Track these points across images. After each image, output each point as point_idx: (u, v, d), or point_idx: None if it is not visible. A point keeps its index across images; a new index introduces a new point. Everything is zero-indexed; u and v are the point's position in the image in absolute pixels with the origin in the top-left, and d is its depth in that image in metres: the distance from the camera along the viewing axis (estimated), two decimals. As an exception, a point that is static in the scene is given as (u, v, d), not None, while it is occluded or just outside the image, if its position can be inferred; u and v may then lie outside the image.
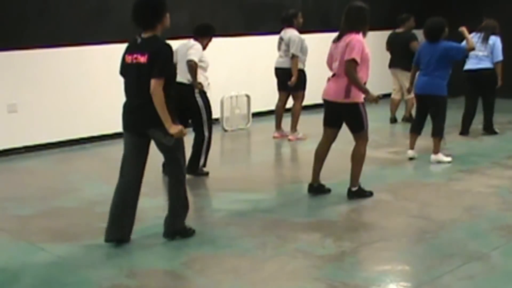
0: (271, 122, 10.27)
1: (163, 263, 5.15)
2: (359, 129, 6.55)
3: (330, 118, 6.68)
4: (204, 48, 7.71)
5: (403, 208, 6.40)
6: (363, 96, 6.44)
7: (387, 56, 11.37)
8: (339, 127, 6.69)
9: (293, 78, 9.48)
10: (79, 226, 6.11)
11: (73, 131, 9.83)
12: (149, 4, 5.31)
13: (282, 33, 9.75)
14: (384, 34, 11.68)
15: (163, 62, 5.20)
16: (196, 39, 7.76)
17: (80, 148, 9.77)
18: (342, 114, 6.53)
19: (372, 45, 14.46)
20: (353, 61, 6.24)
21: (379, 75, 14.60)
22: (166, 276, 4.89)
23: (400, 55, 10.93)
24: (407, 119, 11.09)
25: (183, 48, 7.65)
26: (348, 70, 6.26)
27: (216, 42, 8.13)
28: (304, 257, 5.12)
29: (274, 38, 10.04)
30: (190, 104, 7.52)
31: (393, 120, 11.26)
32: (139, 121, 5.39)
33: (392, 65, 11.25)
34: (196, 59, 7.43)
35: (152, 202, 6.77)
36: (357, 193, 6.68)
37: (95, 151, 9.67)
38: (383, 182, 7.29)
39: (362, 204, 6.53)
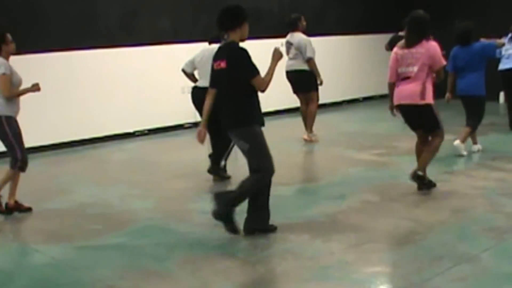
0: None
1: (156, 264, 5.19)
2: (435, 128, 6.95)
3: (412, 120, 7.08)
4: None
5: (390, 209, 6.45)
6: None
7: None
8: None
9: (318, 79, 9.83)
10: (72, 227, 6.18)
11: (65, 134, 9.91)
12: (230, 11, 5.65)
13: (289, 37, 10.02)
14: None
15: (246, 63, 5.54)
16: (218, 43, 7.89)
17: (72, 150, 9.84)
18: (419, 114, 6.90)
19: (374, 47, 14.81)
20: (444, 66, 6.90)
21: (381, 76, 14.86)
22: (158, 277, 4.93)
23: None
24: None
25: (207, 53, 7.68)
26: (442, 75, 6.90)
27: (200, 47, 8.26)
28: (294, 258, 5.17)
29: (254, 42, 10.16)
30: None
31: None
32: (224, 123, 5.75)
33: None
34: None
35: (143, 204, 6.85)
36: (421, 178, 6.95)
37: (86, 153, 9.73)
38: (369, 183, 7.37)
39: (349, 205, 6.59)
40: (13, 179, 6.67)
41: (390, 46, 11.60)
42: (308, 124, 10.05)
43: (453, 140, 8.51)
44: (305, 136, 10.04)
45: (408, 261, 5.09)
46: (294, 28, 10.00)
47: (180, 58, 8.52)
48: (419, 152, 7.13)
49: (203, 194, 7.43)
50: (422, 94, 6.75)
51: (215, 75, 5.73)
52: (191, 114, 11.19)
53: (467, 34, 8.54)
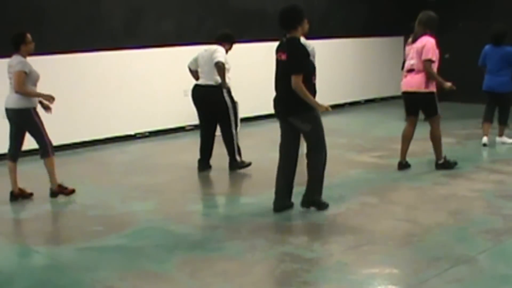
0: (258, 127, 10.41)
1: (155, 265, 5.22)
2: (433, 114, 7.83)
3: (412, 107, 7.96)
4: (226, 52, 8.15)
5: (389, 211, 6.49)
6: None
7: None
8: (418, 113, 7.97)
9: None
10: (73, 229, 6.22)
11: (66, 136, 9.93)
12: (291, 10, 6.27)
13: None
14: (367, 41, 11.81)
15: (299, 59, 6.14)
16: (219, 44, 8.19)
17: (73, 152, 9.87)
18: (420, 102, 7.79)
19: (378, 51, 14.85)
20: (429, 60, 7.52)
21: (382, 79, 14.90)
22: (157, 279, 4.96)
23: None
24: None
25: (206, 53, 8.12)
26: (427, 67, 7.54)
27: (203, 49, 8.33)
28: (293, 261, 5.19)
29: (258, 45, 10.20)
30: (219, 105, 8.04)
31: None
32: (282, 111, 6.37)
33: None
34: (222, 60, 7.86)
35: (143, 206, 6.88)
36: (443, 165, 7.96)
37: (87, 155, 9.76)
38: (368, 186, 7.40)
39: (348, 207, 6.61)
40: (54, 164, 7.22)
41: None
42: None
43: (455, 143, 8.55)
44: None
45: (406, 262, 5.14)
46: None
47: (184, 61, 8.60)
48: (407, 135, 8.01)
49: (203, 196, 7.46)
50: (426, 84, 7.57)
51: (278, 64, 6.33)
52: (193, 117, 11.25)
53: (500, 35, 9.07)
